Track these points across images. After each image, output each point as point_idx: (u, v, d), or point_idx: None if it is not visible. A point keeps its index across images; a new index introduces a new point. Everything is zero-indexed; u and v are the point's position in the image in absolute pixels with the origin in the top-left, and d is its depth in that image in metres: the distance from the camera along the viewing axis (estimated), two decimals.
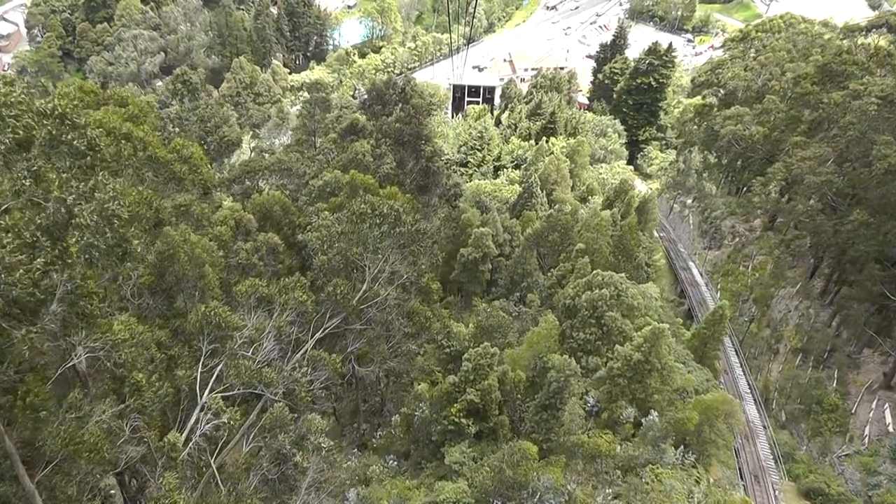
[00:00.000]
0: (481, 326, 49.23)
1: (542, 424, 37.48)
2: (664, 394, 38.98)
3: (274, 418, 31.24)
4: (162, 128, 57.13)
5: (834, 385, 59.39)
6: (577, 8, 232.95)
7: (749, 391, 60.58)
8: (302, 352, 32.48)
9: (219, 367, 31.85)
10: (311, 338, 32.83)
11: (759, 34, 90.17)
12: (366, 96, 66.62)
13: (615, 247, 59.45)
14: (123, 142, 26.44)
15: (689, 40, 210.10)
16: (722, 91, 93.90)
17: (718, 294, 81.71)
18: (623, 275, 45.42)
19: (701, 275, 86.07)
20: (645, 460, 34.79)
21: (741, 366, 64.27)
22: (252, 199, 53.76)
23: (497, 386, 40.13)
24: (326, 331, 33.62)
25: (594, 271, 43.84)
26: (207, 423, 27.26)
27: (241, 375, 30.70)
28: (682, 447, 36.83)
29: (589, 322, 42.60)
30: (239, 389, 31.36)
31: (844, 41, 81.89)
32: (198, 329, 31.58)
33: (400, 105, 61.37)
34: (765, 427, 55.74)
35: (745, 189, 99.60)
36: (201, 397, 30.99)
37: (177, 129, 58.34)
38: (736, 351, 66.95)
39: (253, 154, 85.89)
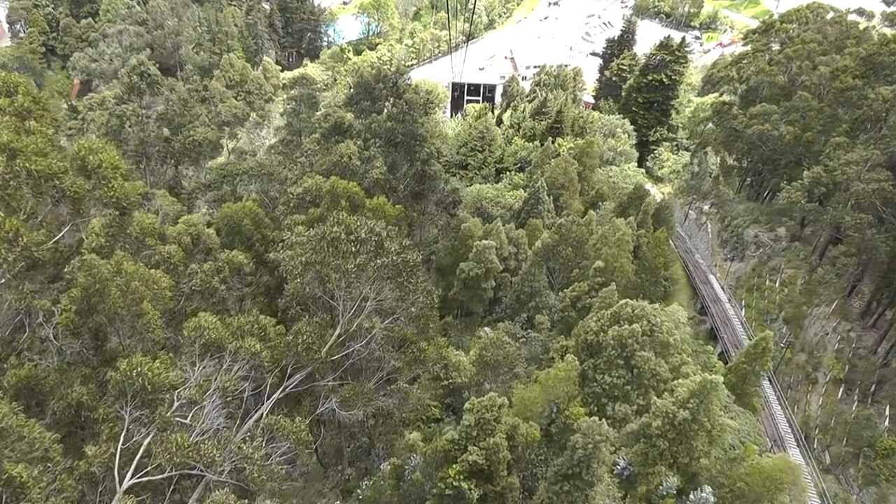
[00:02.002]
0: (485, 362, 41.95)
1: (562, 497, 30.09)
2: (713, 458, 31.67)
3: None
4: (119, 128, 49.85)
5: (886, 424, 52.06)
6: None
7: (789, 429, 53.26)
8: (256, 417, 25.04)
9: (146, 441, 24.43)
10: (268, 399, 25.39)
11: (784, 25, 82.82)
12: (352, 91, 59.16)
13: (639, 265, 52.02)
14: None
15: (697, 37, 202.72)
16: (743, 87, 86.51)
17: (743, 311, 74.39)
18: (657, 306, 37.98)
19: (723, 289, 78.67)
20: None
21: (778, 398, 56.94)
22: (221, 210, 46.42)
23: (505, 444, 32.76)
24: (287, 390, 26.22)
25: (623, 301, 36.44)
26: None
27: (172, 453, 23.22)
28: None
29: (616, 363, 35.20)
30: (172, 471, 23.89)
31: (888, 30, 74.82)
32: (119, 392, 24.16)
33: (392, 100, 54.00)
34: (810, 472, 48.44)
35: (768, 194, 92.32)
36: (121, 484, 23.57)
37: (135, 129, 51.10)
38: (770, 379, 59.59)
39: (232, 156, 78.56)
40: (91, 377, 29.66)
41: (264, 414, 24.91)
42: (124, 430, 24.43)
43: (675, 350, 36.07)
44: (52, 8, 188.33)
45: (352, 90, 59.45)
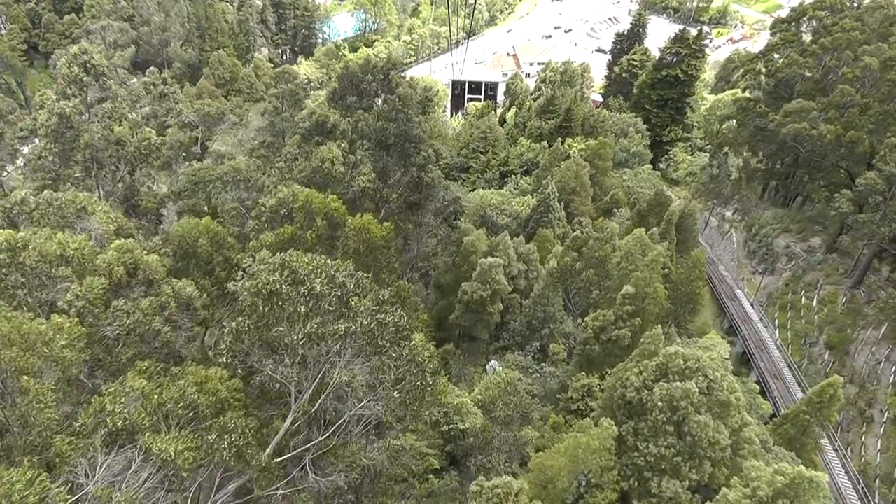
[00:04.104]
0: (494, 418, 34.35)
1: None
2: None
3: None
4: (60, 128, 42.13)
5: None
6: None
7: (847, 480, 45.59)
8: None
9: None
10: None
11: (817, 12, 75.30)
12: (336, 84, 51.50)
13: (671, 288, 44.26)
14: None
15: (707, 33, 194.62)
16: (770, 81, 78.75)
17: (777, 333, 66.67)
18: (714, 355, 30.22)
19: (752, 306, 70.92)
20: None
21: (829, 439, 49.24)
22: (174, 228, 38.88)
23: None
24: None
25: (672, 351, 28.70)
26: None
27: None
28: None
29: (664, 429, 27.47)
30: None
31: None
32: None
33: (383, 96, 46.36)
34: None
35: (796, 199, 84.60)
36: None
37: (79, 130, 43.27)
38: None
39: (208, 160, 70.91)
40: None
41: None
42: None
43: (734, 410, 28.46)
44: (35, 3, 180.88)
45: (335, 83, 51.78)
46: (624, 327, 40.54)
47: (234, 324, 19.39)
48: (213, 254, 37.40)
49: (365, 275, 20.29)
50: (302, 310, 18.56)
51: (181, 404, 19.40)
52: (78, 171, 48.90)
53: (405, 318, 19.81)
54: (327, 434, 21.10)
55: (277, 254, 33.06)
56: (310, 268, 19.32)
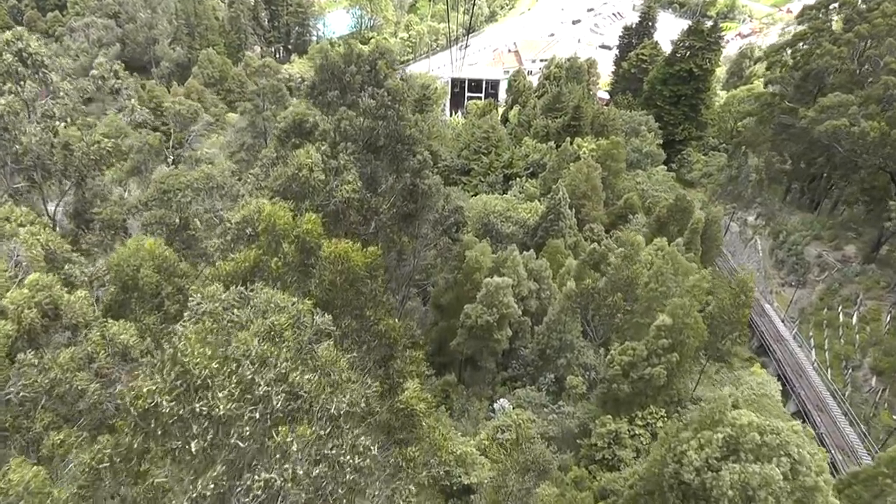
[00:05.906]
0: (507, 493, 27.79)
1: None
2: None
3: None
4: None
5: None
6: None
7: None
8: None
9: None
10: None
11: None
12: (315, 77, 45.00)
13: (710, 317, 37.56)
14: None
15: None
16: (796, 74, 72.17)
17: (813, 353, 60.01)
18: (798, 426, 23.55)
19: (784, 323, 64.26)
20: None
21: None
22: (114, 254, 32.35)
23: None
24: None
25: (744, 420, 21.97)
26: None
27: None
28: None
29: None
30: None
31: None
32: None
33: (370, 90, 39.84)
34: None
35: (822, 202, 78.05)
36: None
37: (15, 133, 36.68)
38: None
39: (184, 165, 64.37)
40: None
41: None
42: None
43: (821, 495, 21.87)
44: (17, 0, 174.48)
45: (315, 76, 45.26)
46: (658, 364, 33.97)
47: (86, 456, 12.30)
48: (162, 284, 30.72)
49: (313, 377, 12.91)
50: (193, 448, 11.30)
51: None
52: (21, 182, 42.25)
53: (373, 450, 12.81)
54: None
55: (233, 287, 26.59)
56: (213, 367, 11.81)
